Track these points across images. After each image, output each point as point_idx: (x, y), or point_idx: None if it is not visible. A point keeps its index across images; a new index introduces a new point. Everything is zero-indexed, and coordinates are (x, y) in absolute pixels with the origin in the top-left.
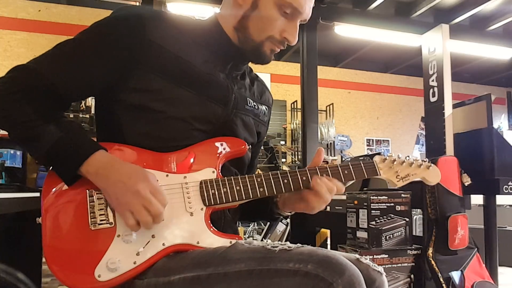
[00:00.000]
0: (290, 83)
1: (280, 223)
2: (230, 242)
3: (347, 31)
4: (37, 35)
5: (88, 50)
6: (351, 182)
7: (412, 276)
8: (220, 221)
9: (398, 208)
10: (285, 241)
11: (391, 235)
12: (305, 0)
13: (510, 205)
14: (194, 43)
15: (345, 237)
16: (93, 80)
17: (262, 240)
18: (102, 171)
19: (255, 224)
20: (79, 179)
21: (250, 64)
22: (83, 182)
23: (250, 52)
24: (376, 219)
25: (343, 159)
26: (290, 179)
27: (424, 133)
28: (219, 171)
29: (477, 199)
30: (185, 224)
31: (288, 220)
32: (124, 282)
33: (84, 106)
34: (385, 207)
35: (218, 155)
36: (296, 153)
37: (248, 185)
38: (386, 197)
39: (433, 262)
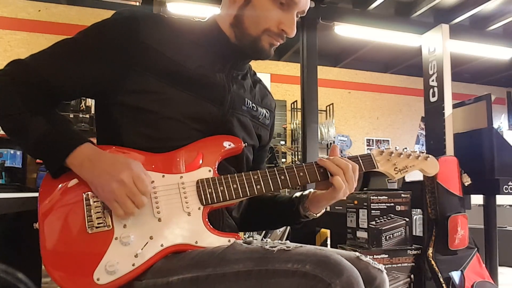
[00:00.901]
0: (290, 83)
1: None
2: (229, 241)
3: (347, 31)
4: (37, 35)
5: (83, 49)
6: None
7: (412, 276)
8: (219, 220)
9: (398, 208)
10: (285, 241)
11: (391, 235)
12: None
13: (510, 205)
14: (192, 44)
15: (345, 237)
16: (86, 79)
17: (262, 240)
18: (86, 163)
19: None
20: (66, 171)
21: (252, 62)
22: (79, 186)
23: (248, 48)
24: (376, 219)
25: None
26: (287, 175)
27: (424, 133)
28: (216, 169)
29: (477, 199)
30: (183, 224)
31: None
32: (123, 284)
33: (84, 106)
34: (385, 207)
35: (214, 153)
36: (296, 153)
37: (245, 183)
38: (386, 197)
39: (433, 262)
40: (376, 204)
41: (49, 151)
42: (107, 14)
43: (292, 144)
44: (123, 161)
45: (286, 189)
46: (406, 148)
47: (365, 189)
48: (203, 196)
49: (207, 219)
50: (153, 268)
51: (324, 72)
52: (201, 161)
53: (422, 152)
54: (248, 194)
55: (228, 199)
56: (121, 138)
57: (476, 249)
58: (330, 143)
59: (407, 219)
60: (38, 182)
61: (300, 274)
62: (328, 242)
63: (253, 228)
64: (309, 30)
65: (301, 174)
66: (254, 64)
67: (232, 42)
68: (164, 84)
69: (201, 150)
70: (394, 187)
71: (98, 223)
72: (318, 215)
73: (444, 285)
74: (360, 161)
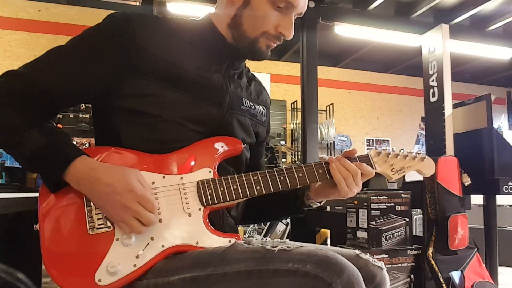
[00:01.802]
0: (290, 83)
1: (280, 223)
2: (230, 241)
3: (347, 31)
4: (37, 35)
5: (79, 57)
6: None
7: (412, 276)
8: (220, 221)
9: (398, 208)
10: (285, 239)
11: (391, 235)
12: None
13: (510, 205)
14: (188, 45)
15: (345, 237)
16: (82, 86)
17: (262, 239)
18: (83, 182)
19: (255, 224)
20: (65, 186)
21: (248, 63)
22: None
23: (246, 49)
24: (376, 219)
25: None
26: (286, 176)
27: (424, 133)
28: (216, 170)
29: (477, 199)
30: (184, 225)
31: (288, 220)
32: (124, 285)
33: (84, 106)
34: (385, 207)
35: (214, 154)
36: (296, 153)
37: (245, 184)
38: (386, 197)
39: (433, 262)
40: (376, 204)
41: (45, 166)
42: (107, 14)
43: (292, 144)
44: (122, 180)
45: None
46: (403, 149)
47: (365, 189)
48: (203, 197)
49: (207, 220)
50: (154, 268)
51: (324, 72)
52: (201, 162)
53: (419, 153)
54: (248, 195)
55: (228, 199)
56: (120, 141)
57: (476, 249)
58: (330, 143)
59: (407, 219)
60: (38, 182)
61: (301, 273)
62: (328, 242)
63: (256, 221)
64: (309, 30)
65: (300, 175)
66: (254, 64)
67: (228, 42)
68: (162, 87)
69: (201, 151)
70: (394, 187)
71: (99, 224)
72: (322, 203)
73: (444, 285)
74: (358, 162)
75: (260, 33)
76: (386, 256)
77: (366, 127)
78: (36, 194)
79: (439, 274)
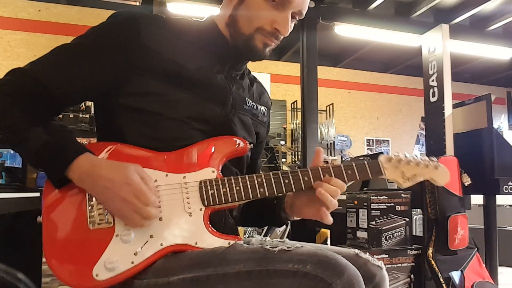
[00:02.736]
0: (290, 83)
1: None
2: (229, 243)
3: (347, 31)
4: (37, 35)
5: (83, 55)
6: (351, 182)
7: (412, 276)
8: (221, 222)
9: (398, 208)
10: (285, 238)
11: (391, 235)
12: None
13: (510, 205)
14: (192, 45)
15: (345, 237)
16: (88, 85)
17: (261, 239)
18: (85, 178)
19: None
20: (70, 182)
21: (249, 63)
22: None
23: (243, 48)
24: (376, 219)
25: (343, 159)
26: (291, 179)
27: (424, 133)
28: (220, 171)
29: (477, 199)
30: (184, 225)
31: None
32: (122, 281)
33: (84, 106)
34: (385, 207)
35: (219, 154)
36: (296, 153)
37: (248, 186)
38: (386, 197)
39: (433, 262)
40: (376, 204)
41: (48, 163)
42: (107, 14)
43: (292, 144)
44: (121, 174)
45: None
46: (416, 156)
47: (365, 189)
48: (205, 197)
49: (208, 221)
50: (154, 268)
51: (324, 72)
52: (205, 162)
53: (433, 160)
54: (251, 197)
55: (230, 201)
56: (123, 139)
57: (476, 249)
58: (330, 143)
59: (407, 219)
60: (38, 182)
61: (301, 274)
62: (328, 242)
63: (244, 224)
64: (309, 30)
65: (306, 178)
66: (254, 64)
67: (230, 44)
68: (166, 86)
69: (205, 150)
70: (394, 187)
71: (100, 220)
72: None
73: (444, 285)
74: (368, 168)
75: (254, 29)
76: (386, 256)
77: (366, 127)
78: (36, 194)
79: (439, 274)
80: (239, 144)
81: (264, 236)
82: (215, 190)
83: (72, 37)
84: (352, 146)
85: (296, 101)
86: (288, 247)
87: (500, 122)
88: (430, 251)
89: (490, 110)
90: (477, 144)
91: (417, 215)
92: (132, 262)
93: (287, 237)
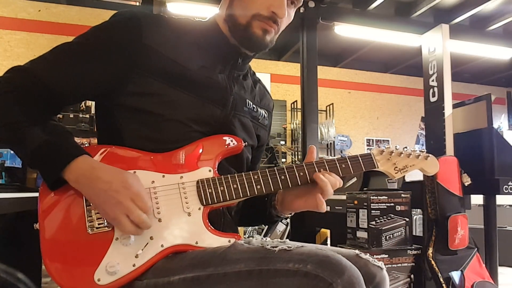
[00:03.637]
0: (290, 83)
1: (280, 223)
2: (229, 241)
3: (347, 31)
4: (37, 35)
5: (85, 54)
6: (351, 182)
7: (412, 276)
8: (220, 221)
9: (398, 208)
10: (285, 239)
11: (391, 235)
12: None
13: (510, 205)
14: (193, 45)
15: (345, 237)
16: (88, 84)
17: (262, 239)
18: (82, 180)
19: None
20: (64, 185)
21: (252, 62)
22: None
23: (242, 39)
24: (376, 219)
25: None
26: (287, 175)
27: (424, 133)
28: (216, 169)
29: (477, 199)
30: (183, 225)
31: (288, 220)
32: (124, 284)
33: (84, 106)
34: (385, 207)
35: (214, 153)
36: (296, 153)
37: (245, 183)
38: (386, 197)
39: (433, 262)
40: (376, 204)
41: (45, 163)
42: (107, 14)
43: (292, 144)
44: (120, 178)
45: None
46: (406, 147)
47: (365, 189)
48: (203, 196)
49: (207, 220)
50: (154, 268)
51: (324, 72)
52: (201, 161)
53: (422, 151)
54: (248, 194)
55: (228, 199)
56: (122, 139)
57: (476, 249)
58: (330, 143)
59: (407, 219)
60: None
61: (301, 273)
62: (328, 242)
63: (237, 223)
64: (309, 30)
65: (301, 174)
66: (254, 64)
67: (231, 42)
68: (167, 86)
69: (201, 149)
70: (394, 187)
71: (99, 224)
72: (292, 214)
73: (444, 285)
74: (361, 160)
75: (251, 16)
76: (386, 256)
77: (366, 127)
78: (36, 194)
79: (439, 274)
80: (230, 141)
81: (264, 236)
82: (213, 189)
83: (72, 37)
84: (352, 146)
85: (296, 101)
86: (288, 247)
87: (500, 122)
88: (430, 251)
89: (490, 110)
90: (477, 144)
91: (417, 215)
92: (134, 265)
93: (287, 237)
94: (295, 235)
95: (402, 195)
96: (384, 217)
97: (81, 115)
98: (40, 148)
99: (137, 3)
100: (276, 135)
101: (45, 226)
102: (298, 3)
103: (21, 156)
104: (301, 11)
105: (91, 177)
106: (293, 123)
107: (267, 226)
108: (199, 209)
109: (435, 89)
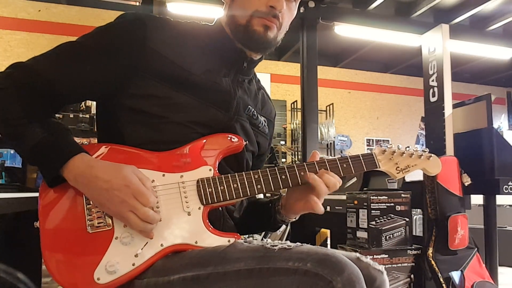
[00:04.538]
0: (290, 83)
1: None
2: (229, 241)
3: (347, 31)
4: (37, 35)
5: (88, 54)
6: (351, 182)
7: (412, 276)
8: (220, 221)
9: (398, 208)
10: (285, 241)
11: (391, 235)
12: None
13: (510, 205)
14: (198, 49)
15: (345, 237)
16: (90, 83)
17: (262, 239)
18: (81, 179)
19: None
20: (63, 182)
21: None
22: None
23: (245, 39)
24: (376, 219)
25: None
26: (288, 174)
27: (424, 133)
28: (216, 169)
29: (477, 199)
30: (183, 224)
31: None
32: (123, 283)
33: (84, 106)
34: (385, 207)
35: (214, 152)
36: (296, 153)
37: (246, 182)
38: (386, 197)
39: (433, 262)
40: (376, 204)
41: (43, 161)
42: (107, 14)
43: (292, 144)
44: (119, 175)
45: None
46: (408, 147)
47: (365, 189)
48: (203, 195)
49: (207, 219)
50: (154, 267)
51: (324, 72)
52: (201, 160)
53: (424, 151)
54: (249, 194)
55: (228, 198)
56: (123, 140)
57: (476, 249)
58: (330, 143)
59: (407, 219)
60: (38, 182)
61: (301, 272)
62: (328, 242)
63: (241, 232)
64: (309, 30)
65: (302, 173)
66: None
67: (236, 46)
68: (170, 89)
69: (201, 148)
70: (394, 187)
71: (99, 223)
72: (296, 218)
73: (444, 285)
74: (362, 160)
75: (250, 14)
76: (386, 256)
77: (366, 127)
78: (36, 194)
79: (439, 274)
80: (231, 139)
81: (264, 237)
82: (213, 188)
83: (72, 37)
84: (352, 146)
85: (296, 101)
86: (288, 246)
87: (500, 122)
88: (430, 251)
89: (490, 110)
90: (477, 144)
91: (417, 215)
92: (133, 264)
93: (287, 238)
94: (295, 236)
95: (402, 195)
96: (384, 217)
97: (81, 115)
98: (39, 146)
99: (137, 3)
100: (276, 135)
101: (45, 224)
102: None
103: (20, 152)
104: (301, 11)
105: (90, 177)
106: (293, 123)
107: (263, 232)
108: (199, 208)
109: (435, 89)
